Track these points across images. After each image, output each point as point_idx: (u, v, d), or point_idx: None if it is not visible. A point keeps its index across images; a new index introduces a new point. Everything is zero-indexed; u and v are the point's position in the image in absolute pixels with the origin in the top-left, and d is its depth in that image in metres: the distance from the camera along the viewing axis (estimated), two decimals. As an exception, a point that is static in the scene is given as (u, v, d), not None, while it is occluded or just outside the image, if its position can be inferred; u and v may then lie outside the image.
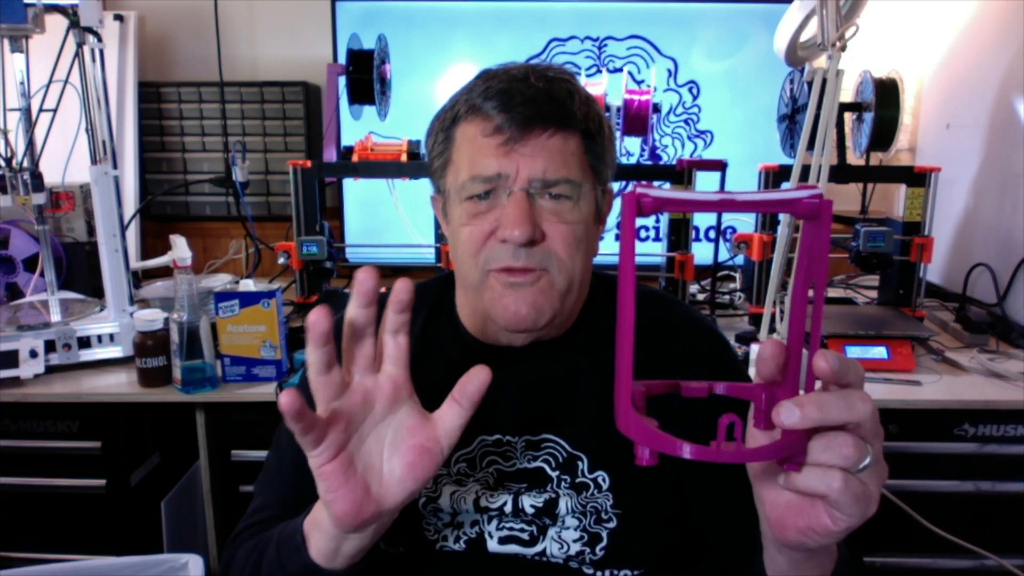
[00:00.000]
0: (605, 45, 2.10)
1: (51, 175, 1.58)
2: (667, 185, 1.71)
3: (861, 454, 0.46)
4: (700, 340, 0.83)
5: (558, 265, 0.73)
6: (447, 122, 0.76)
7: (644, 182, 0.43)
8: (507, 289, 0.73)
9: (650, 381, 0.52)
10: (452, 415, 0.61)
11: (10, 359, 1.41)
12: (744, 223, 2.05)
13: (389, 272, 2.25)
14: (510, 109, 0.71)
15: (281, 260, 1.66)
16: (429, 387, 0.80)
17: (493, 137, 0.71)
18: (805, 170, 1.37)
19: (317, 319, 0.55)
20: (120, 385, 1.45)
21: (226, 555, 0.79)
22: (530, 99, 0.71)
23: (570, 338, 0.81)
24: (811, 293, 0.48)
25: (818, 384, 0.49)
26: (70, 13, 1.46)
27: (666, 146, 2.14)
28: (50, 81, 1.50)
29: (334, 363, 0.57)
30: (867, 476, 0.47)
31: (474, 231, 0.73)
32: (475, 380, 0.60)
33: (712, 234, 2.13)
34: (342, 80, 1.73)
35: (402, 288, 0.58)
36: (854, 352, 1.50)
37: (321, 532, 0.63)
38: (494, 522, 0.77)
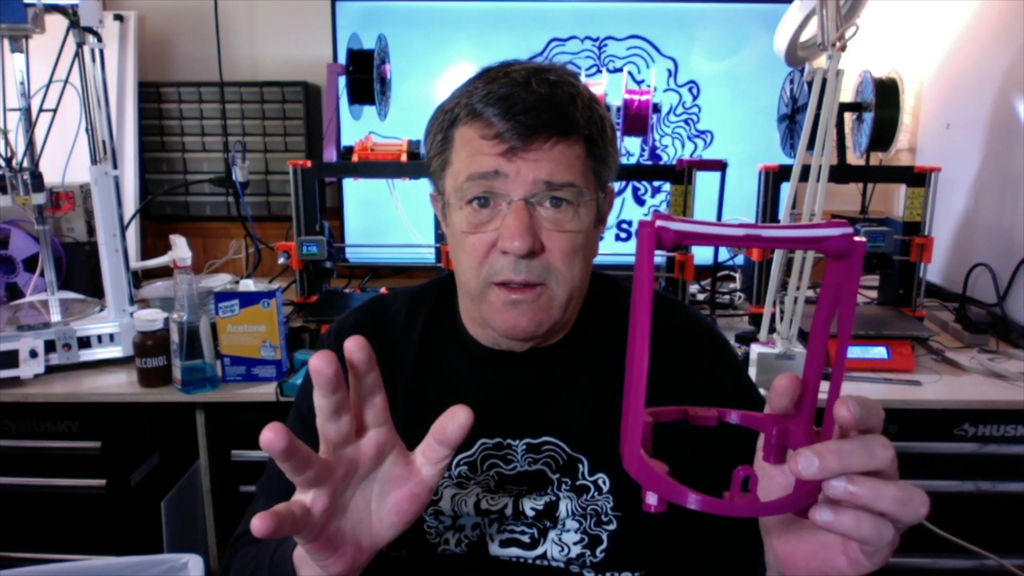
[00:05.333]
0: (605, 45, 2.10)
1: (51, 175, 1.58)
2: (667, 186, 1.71)
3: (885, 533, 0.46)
4: (700, 341, 0.83)
5: (557, 278, 0.72)
6: (446, 123, 0.74)
7: (663, 212, 0.39)
8: (507, 305, 0.72)
9: (657, 408, 0.49)
10: (434, 455, 0.58)
11: (10, 359, 1.41)
12: (744, 223, 2.04)
13: (389, 272, 2.25)
14: (511, 117, 0.69)
15: (281, 260, 1.66)
16: (430, 390, 0.81)
17: (492, 142, 0.70)
18: (805, 170, 1.37)
19: (320, 365, 0.51)
20: (120, 385, 1.45)
21: (226, 560, 0.79)
22: (531, 107, 0.69)
23: (571, 341, 0.80)
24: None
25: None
26: (70, 13, 1.46)
27: (666, 146, 2.14)
28: (50, 81, 1.50)
29: (345, 408, 0.54)
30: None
31: (476, 242, 0.72)
32: (454, 421, 0.56)
33: (712, 234, 2.13)
34: (342, 80, 1.73)
35: (354, 347, 0.53)
36: (854, 352, 1.50)
37: (311, 570, 0.59)
38: (495, 525, 0.77)
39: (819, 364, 0.47)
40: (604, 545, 0.75)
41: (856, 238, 0.42)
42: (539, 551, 0.76)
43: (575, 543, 0.75)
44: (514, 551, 0.76)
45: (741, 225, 0.42)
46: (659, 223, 0.41)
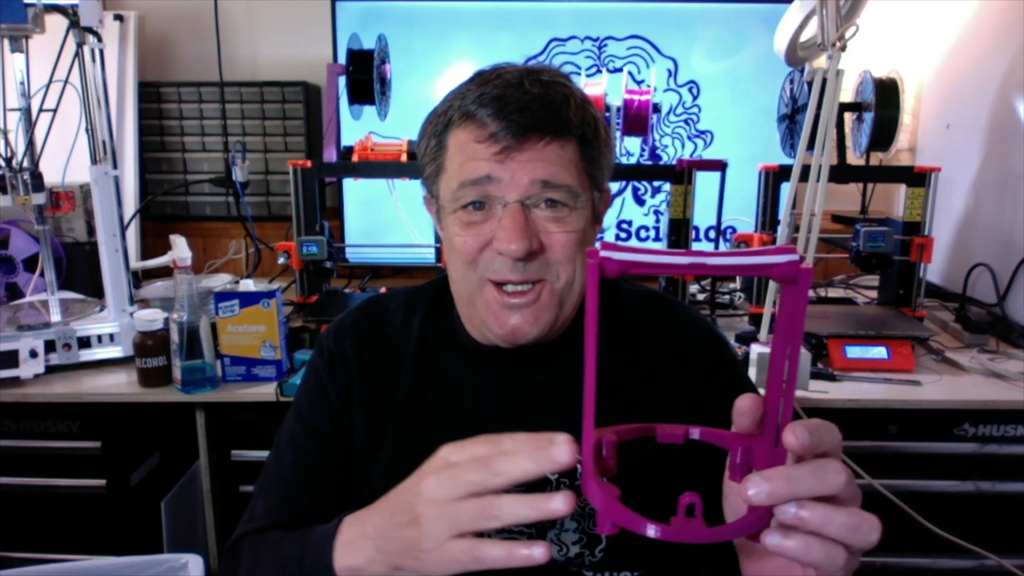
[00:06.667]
0: (605, 45, 2.10)
1: (51, 175, 1.58)
2: (667, 186, 1.71)
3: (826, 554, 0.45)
4: (699, 341, 0.83)
5: (558, 270, 0.72)
6: (439, 127, 0.74)
7: (608, 241, 0.39)
8: (504, 308, 0.72)
9: (620, 427, 0.50)
10: None
11: (10, 359, 1.41)
12: (744, 223, 2.05)
13: (389, 272, 2.25)
14: (505, 117, 0.68)
15: (281, 260, 1.66)
16: (429, 390, 0.81)
17: (487, 143, 0.69)
18: (805, 170, 1.37)
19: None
20: (120, 385, 1.45)
21: (225, 563, 0.78)
22: (525, 106, 0.69)
23: (567, 340, 0.80)
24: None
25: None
26: (70, 13, 1.46)
27: (666, 146, 2.14)
28: (50, 81, 1.50)
29: None
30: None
31: (468, 241, 0.72)
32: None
33: (712, 234, 2.13)
34: (342, 80, 1.73)
35: None
36: (854, 352, 1.50)
37: None
38: (492, 525, 0.76)
39: (779, 383, 0.47)
40: (602, 545, 0.75)
41: (803, 265, 0.41)
42: (537, 551, 0.76)
43: (573, 543, 0.75)
44: (512, 551, 0.76)
45: (687, 253, 0.42)
46: (603, 254, 0.41)
